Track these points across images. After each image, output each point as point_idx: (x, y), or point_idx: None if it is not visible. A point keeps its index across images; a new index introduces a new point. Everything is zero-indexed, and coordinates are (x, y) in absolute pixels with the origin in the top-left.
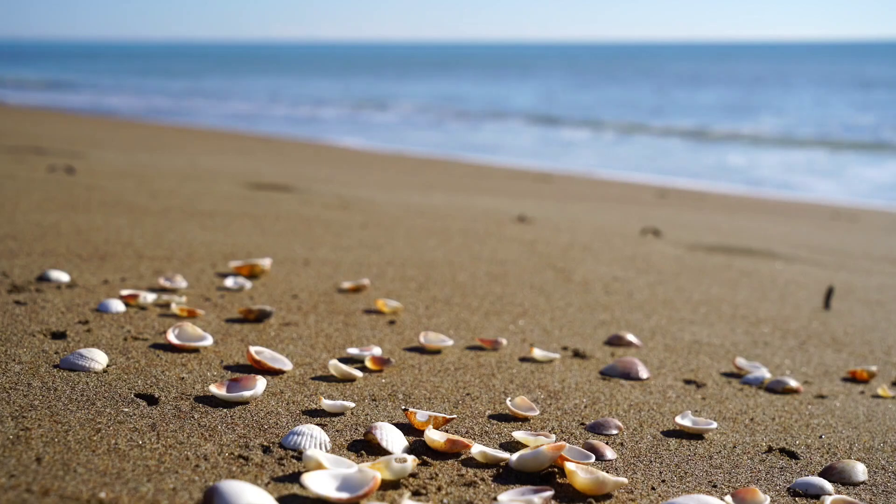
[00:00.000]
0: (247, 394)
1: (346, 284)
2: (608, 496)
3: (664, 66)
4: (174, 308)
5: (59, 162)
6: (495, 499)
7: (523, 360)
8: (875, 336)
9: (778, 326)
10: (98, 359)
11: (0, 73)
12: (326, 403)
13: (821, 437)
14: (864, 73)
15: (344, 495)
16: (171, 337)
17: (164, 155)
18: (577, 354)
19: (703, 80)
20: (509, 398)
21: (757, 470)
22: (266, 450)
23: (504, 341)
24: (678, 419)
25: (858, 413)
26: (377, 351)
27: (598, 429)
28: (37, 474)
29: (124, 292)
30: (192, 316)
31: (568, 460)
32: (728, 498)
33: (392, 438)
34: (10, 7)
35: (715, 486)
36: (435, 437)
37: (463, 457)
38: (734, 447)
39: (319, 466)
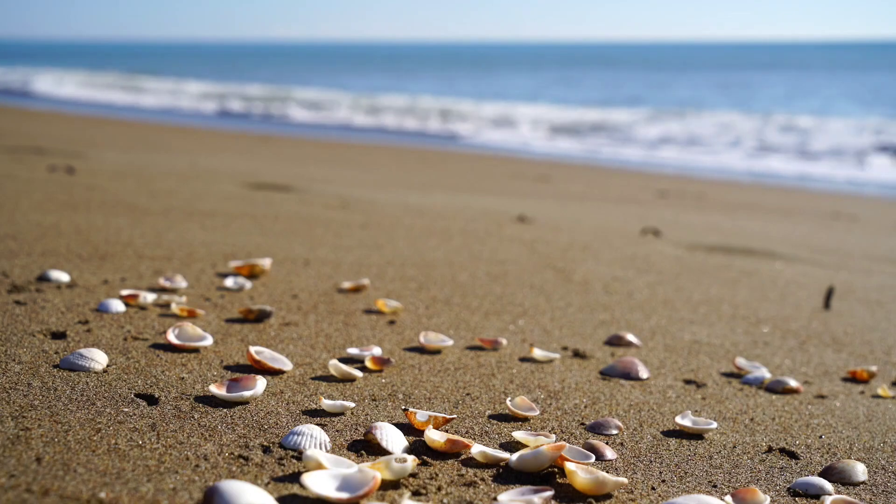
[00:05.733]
0: (247, 394)
1: (346, 284)
2: (608, 496)
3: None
4: (174, 308)
5: (59, 162)
6: (495, 499)
7: (523, 360)
8: (875, 336)
9: (778, 326)
10: (98, 359)
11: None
12: (326, 403)
13: (821, 437)
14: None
15: (344, 495)
16: (171, 337)
17: (164, 155)
18: (577, 354)
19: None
20: (509, 398)
21: (757, 470)
22: (266, 450)
23: (504, 341)
24: (678, 419)
25: (858, 413)
26: (377, 351)
27: (598, 429)
28: (37, 474)
29: (124, 292)
30: (192, 316)
31: (568, 460)
32: (728, 498)
33: (392, 438)
34: (9, 7)
35: (715, 486)
36: (435, 437)
37: (463, 457)
38: (734, 447)
39: (319, 466)
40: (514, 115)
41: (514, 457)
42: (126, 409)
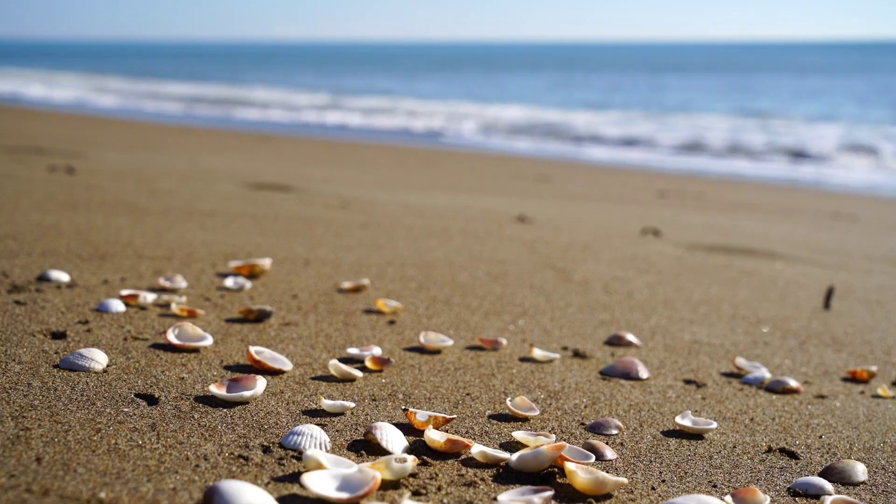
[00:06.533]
0: (247, 394)
1: (346, 284)
2: (608, 496)
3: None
4: (174, 308)
5: (59, 162)
6: (495, 499)
7: (523, 360)
8: (875, 336)
9: (778, 326)
10: (98, 359)
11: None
12: (326, 403)
13: (821, 437)
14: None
15: (344, 495)
16: (171, 337)
17: (164, 155)
18: (577, 354)
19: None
20: (509, 398)
21: (757, 470)
22: (266, 450)
23: (504, 341)
24: (678, 419)
25: (858, 413)
26: (377, 351)
27: (598, 429)
28: (37, 474)
29: (124, 292)
30: (192, 316)
31: (568, 460)
32: (728, 498)
33: (392, 438)
34: (10, 7)
35: (715, 486)
36: (435, 437)
37: (463, 457)
38: (734, 447)
39: (319, 466)
40: (494, 115)
41: (514, 457)
42: (126, 409)
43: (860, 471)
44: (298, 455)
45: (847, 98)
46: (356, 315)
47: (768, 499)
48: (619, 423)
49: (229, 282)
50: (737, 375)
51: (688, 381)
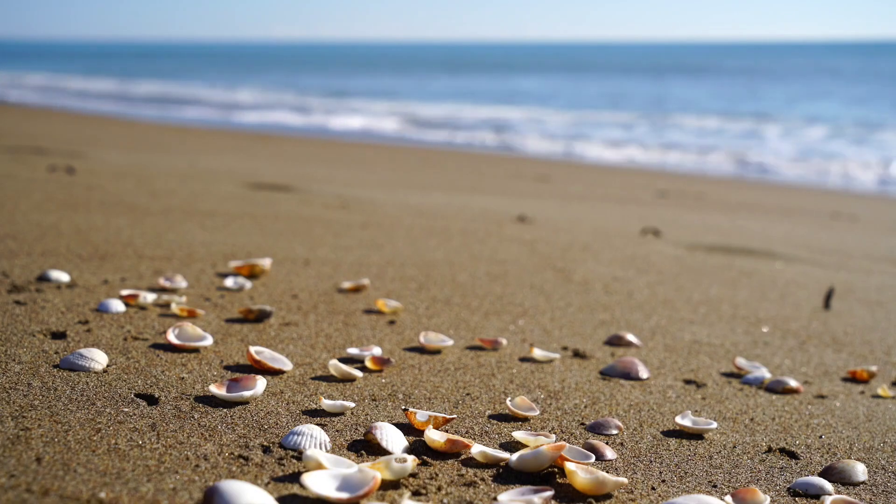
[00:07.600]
0: (247, 394)
1: (346, 284)
2: (608, 496)
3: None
4: (174, 308)
5: (59, 162)
6: (495, 499)
7: (523, 360)
8: (875, 336)
9: (778, 326)
10: (98, 359)
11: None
12: (326, 403)
13: (821, 437)
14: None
15: (344, 495)
16: (171, 337)
17: (164, 155)
18: (577, 354)
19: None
20: (509, 398)
21: (757, 470)
22: (266, 450)
23: (504, 341)
24: (678, 419)
25: (858, 413)
26: (377, 351)
27: (598, 429)
28: (37, 474)
29: (124, 292)
30: (192, 316)
31: (568, 460)
32: (728, 498)
33: (392, 438)
34: (11, 7)
35: (715, 486)
36: (435, 437)
37: (463, 457)
38: (734, 447)
39: (319, 466)
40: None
41: (514, 457)
42: (126, 409)
43: (860, 471)
44: (298, 455)
45: (846, 100)
46: (356, 315)
47: (768, 499)
48: (619, 423)
49: (229, 282)
50: (737, 375)
51: (688, 381)
